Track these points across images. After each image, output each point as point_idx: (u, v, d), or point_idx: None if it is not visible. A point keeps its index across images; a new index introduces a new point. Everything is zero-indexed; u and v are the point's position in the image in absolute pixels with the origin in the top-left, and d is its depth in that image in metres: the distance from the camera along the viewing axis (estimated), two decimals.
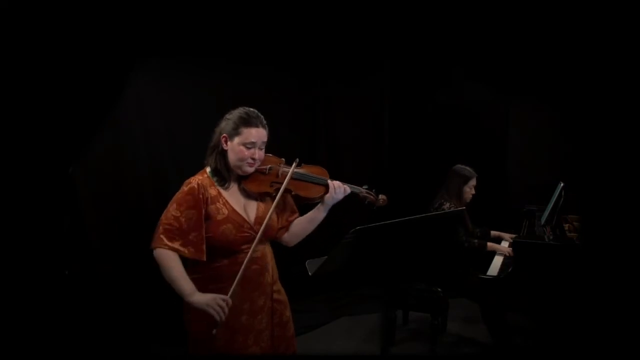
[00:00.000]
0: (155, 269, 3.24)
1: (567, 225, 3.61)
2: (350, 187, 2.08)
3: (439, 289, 3.37)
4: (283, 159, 2.09)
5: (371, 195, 2.15)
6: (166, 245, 1.90)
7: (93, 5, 2.91)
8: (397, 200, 2.50)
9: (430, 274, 3.44)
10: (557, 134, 4.68)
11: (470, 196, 3.55)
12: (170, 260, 1.89)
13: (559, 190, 3.54)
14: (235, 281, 1.89)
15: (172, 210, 1.93)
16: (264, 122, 2.02)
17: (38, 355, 2.64)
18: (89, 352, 3.09)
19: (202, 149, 3.80)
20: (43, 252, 2.74)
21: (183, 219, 1.91)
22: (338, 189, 2.03)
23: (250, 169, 1.99)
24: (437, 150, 4.83)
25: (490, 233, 3.78)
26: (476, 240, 3.48)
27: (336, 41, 4.34)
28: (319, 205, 2.07)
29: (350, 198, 2.11)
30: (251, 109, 2.03)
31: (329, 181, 2.05)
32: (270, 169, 2.03)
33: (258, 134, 1.98)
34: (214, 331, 1.85)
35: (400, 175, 4.78)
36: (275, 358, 2.15)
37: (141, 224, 3.56)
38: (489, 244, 3.53)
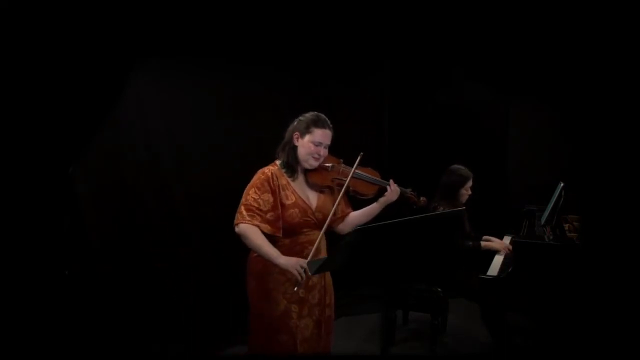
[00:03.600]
0: (155, 269, 3.24)
1: (567, 225, 3.61)
2: (400, 189, 2.46)
3: (439, 289, 3.37)
4: (341, 160, 2.43)
5: (414, 196, 2.53)
6: (248, 221, 2.19)
7: (93, 5, 2.91)
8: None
9: (430, 274, 3.44)
10: (557, 134, 4.68)
11: (467, 196, 3.51)
12: (254, 232, 2.19)
13: (559, 190, 3.54)
14: (311, 253, 2.18)
15: (251, 193, 2.24)
16: (331, 125, 2.37)
17: (38, 355, 2.64)
18: (89, 352, 3.09)
19: (202, 148, 3.83)
20: (43, 252, 2.74)
21: (261, 201, 2.22)
22: (396, 192, 2.41)
23: (315, 163, 2.32)
24: (437, 150, 4.82)
25: (482, 238, 3.74)
26: (470, 242, 3.45)
27: (336, 41, 4.34)
28: (376, 203, 2.42)
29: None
30: (321, 114, 2.38)
31: (390, 184, 2.42)
32: (332, 166, 2.38)
33: (325, 134, 2.33)
34: (295, 289, 2.14)
35: (401, 175, 4.77)
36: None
37: (141, 224, 3.56)
38: (483, 243, 3.50)
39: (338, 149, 2.53)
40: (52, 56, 2.77)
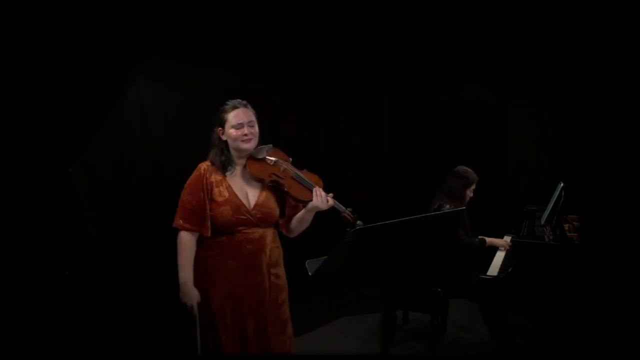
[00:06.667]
0: (157, 268, 3.23)
1: (567, 225, 3.62)
2: (335, 203, 2.24)
3: (439, 289, 3.36)
4: (291, 159, 2.33)
5: (350, 216, 2.22)
6: (181, 225, 2.24)
7: (93, 5, 2.91)
8: (397, 200, 2.51)
9: (430, 274, 3.44)
10: (557, 134, 4.67)
11: (469, 198, 3.51)
12: (184, 247, 2.25)
13: (559, 190, 3.54)
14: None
15: (186, 193, 2.27)
16: (244, 102, 2.31)
17: (38, 355, 2.64)
18: (89, 352, 3.09)
19: (202, 148, 3.82)
20: (43, 252, 2.74)
21: (195, 202, 2.23)
22: (321, 198, 2.20)
23: (248, 145, 2.26)
24: (438, 151, 4.82)
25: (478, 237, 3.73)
26: (476, 239, 3.46)
27: (336, 41, 4.34)
28: (304, 209, 2.29)
29: (332, 213, 2.26)
30: (233, 100, 2.32)
31: (314, 188, 2.23)
32: (276, 162, 2.28)
33: (242, 112, 2.27)
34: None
35: (401, 176, 4.78)
36: (275, 358, 2.25)
37: (141, 224, 3.57)
38: (488, 239, 3.49)
39: (339, 149, 2.53)
40: (52, 56, 2.77)
